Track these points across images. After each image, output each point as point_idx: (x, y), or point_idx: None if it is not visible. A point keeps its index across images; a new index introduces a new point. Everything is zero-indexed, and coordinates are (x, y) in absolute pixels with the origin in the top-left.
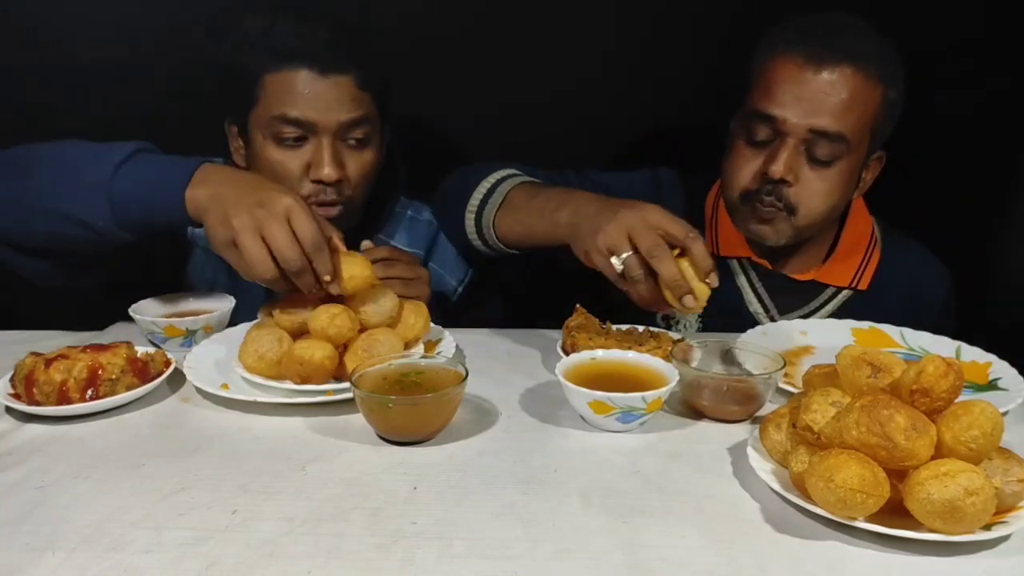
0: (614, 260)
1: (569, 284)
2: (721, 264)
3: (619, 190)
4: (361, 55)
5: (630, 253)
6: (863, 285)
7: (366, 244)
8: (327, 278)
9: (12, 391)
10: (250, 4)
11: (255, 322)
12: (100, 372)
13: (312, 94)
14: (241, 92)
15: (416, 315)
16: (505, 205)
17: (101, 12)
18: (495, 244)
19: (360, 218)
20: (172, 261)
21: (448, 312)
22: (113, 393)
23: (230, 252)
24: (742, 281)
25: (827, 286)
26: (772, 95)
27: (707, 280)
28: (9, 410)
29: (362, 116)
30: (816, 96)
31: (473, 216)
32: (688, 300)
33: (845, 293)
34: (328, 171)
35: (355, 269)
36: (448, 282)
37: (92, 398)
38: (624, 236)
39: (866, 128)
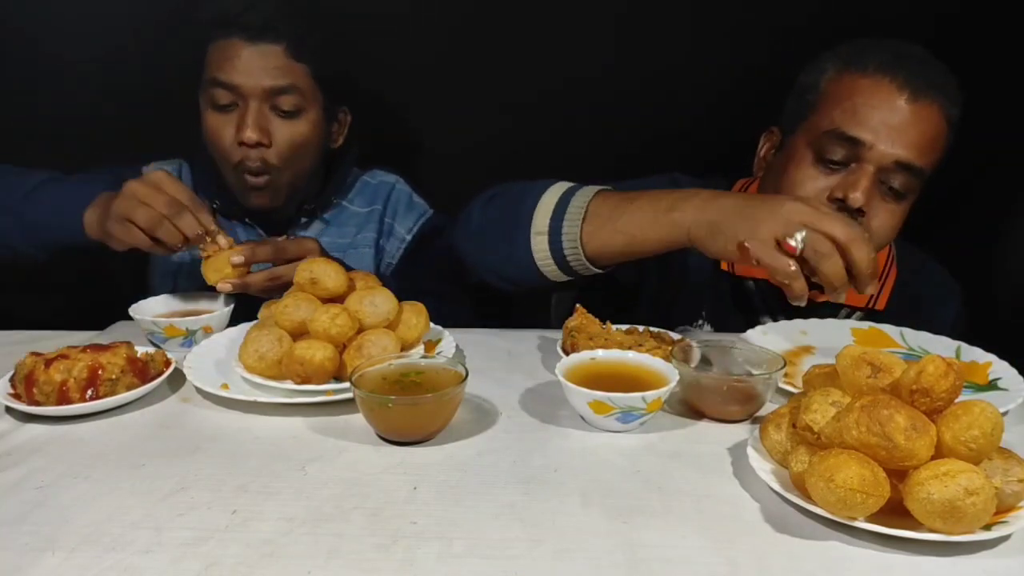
0: (793, 241)
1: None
2: (734, 280)
3: None
4: (294, 27)
5: (807, 233)
6: (880, 306)
7: (236, 259)
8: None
9: (12, 391)
10: None
11: (255, 322)
12: (100, 372)
13: (241, 60)
14: (198, 65)
15: (416, 316)
16: (592, 218)
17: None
18: (579, 263)
19: (290, 198)
20: (133, 270)
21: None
22: (113, 393)
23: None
24: (757, 301)
25: (842, 306)
26: (859, 117)
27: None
28: (9, 410)
29: (289, 84)
30: (906, 126)
31: (546, 237)
32: (871, 289)
33: (859, 314)
34: (249, 132)
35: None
36: (397, 231)
37: (92, 398)
38: (795, 224)
39: (933, 168)
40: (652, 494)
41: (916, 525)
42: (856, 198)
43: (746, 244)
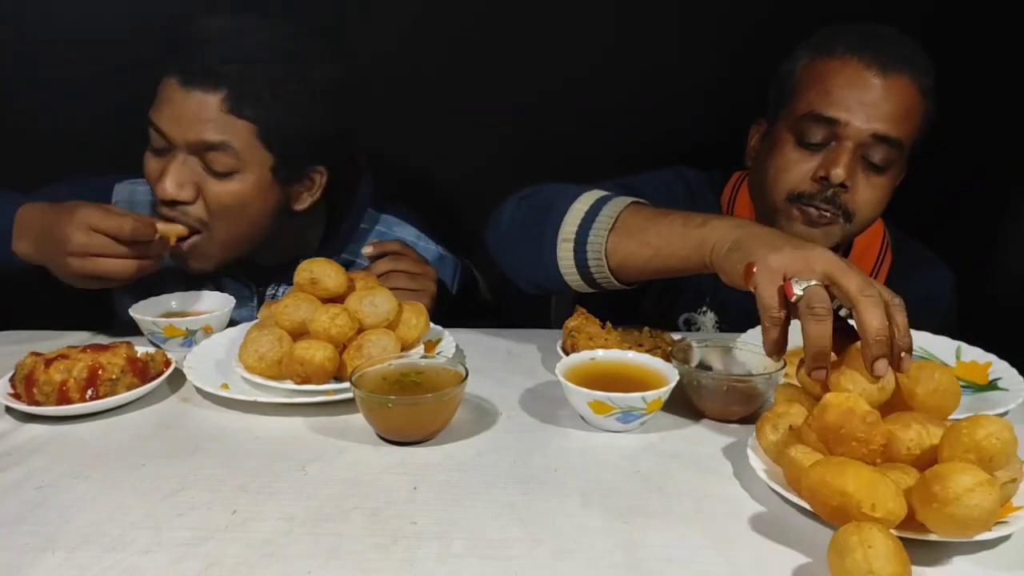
0: (796, 285)
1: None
2: None
3: (654, 191)
4: (242, 78)
5: (816, 283)
6: None
7: (368, 250)
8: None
9: (12, 391)
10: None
11: (255, 322)
12: (100, 372)
13: (173, 105)
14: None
15: (416, 316)
16: (620, 228)
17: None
18: (602, 275)
19: (230, 260)
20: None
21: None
22: (113, 393)
23: (88, 283)
24: None
25: None
26: (833, 97)
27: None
28: (9, 410)
29: (221, 142)
30: (879, 101)
31: (572, 245)
32: (880, 366)
33: None
34: (165, 186)
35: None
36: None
37: (92, 398)
38: (810, 268)
39: (912, 139)
40: (652, 494)
41: (916, 525)
42: (837, 174)
43: (754, 267)
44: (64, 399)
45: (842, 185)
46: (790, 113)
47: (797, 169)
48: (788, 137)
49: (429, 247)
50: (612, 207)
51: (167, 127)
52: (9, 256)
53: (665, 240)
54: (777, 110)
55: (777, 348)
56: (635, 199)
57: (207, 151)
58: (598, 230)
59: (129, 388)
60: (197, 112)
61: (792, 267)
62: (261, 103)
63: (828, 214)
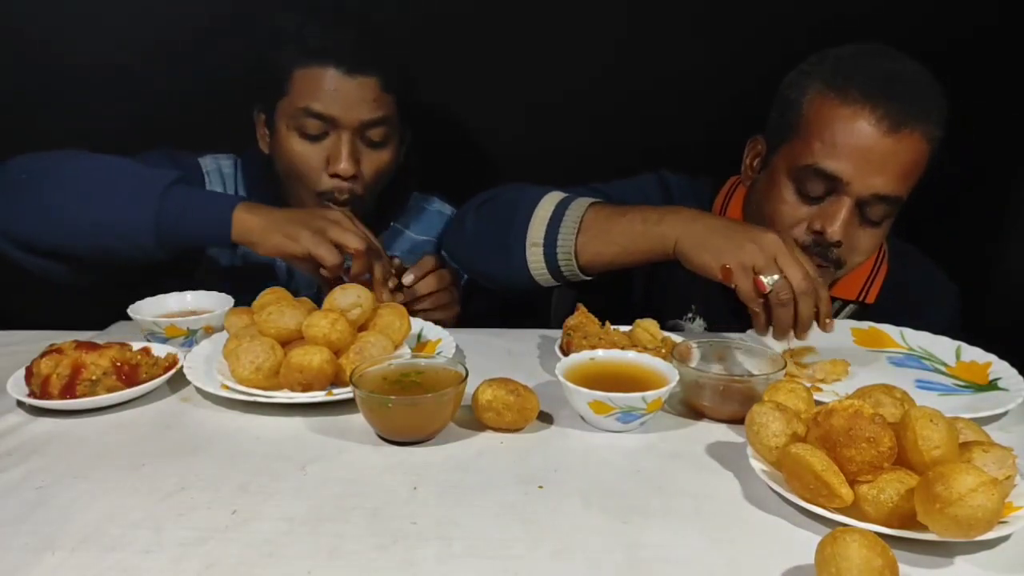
0: (766, 279)
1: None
2: None
3: (629, 199)
4: (387, 58)
5: (780, 277)
6: (870, 299)
7: (409, 279)
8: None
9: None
10: (284, 2)
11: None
12: (82, 371)
13: (337, 92)
14: (271, 84)
15: (400, 319)
16: (585, 230)
17: (108, 12)
18: (571, 272)
19: (371, 212)
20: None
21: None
22: (92, 394)
23: (299, 262)
24: None
25: (834, 299)
26: (838, 151)
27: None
28: (20, 404)
29: (382, 117)
30: (884, 159)
31: (541, 249)
32: (801, 337)
33: (852, 307)
34: (345, 165)
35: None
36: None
37: (69, 397)
38: (772, 260)
39: (911, 189)
40: (652, 494)
41: (916, 525)
42: (834, 232)
43: (729, 267)
44: (45, 393)
45: (837, 242)
46: (791, 153)
47: (792, 217)
48: (786, 182)
49: None
50: (575, 210)
51: (337, 112)
52: (226, 223)
53: (629, 238)
54: (779, 141)
55: (765, 327)
56: (593, 200)
57: (369, 127)
58: (566, 233)
59: (110, 390)
60: (362, 95)
61: (758, 262)
62: (404, 76)
63: (818, 264)
